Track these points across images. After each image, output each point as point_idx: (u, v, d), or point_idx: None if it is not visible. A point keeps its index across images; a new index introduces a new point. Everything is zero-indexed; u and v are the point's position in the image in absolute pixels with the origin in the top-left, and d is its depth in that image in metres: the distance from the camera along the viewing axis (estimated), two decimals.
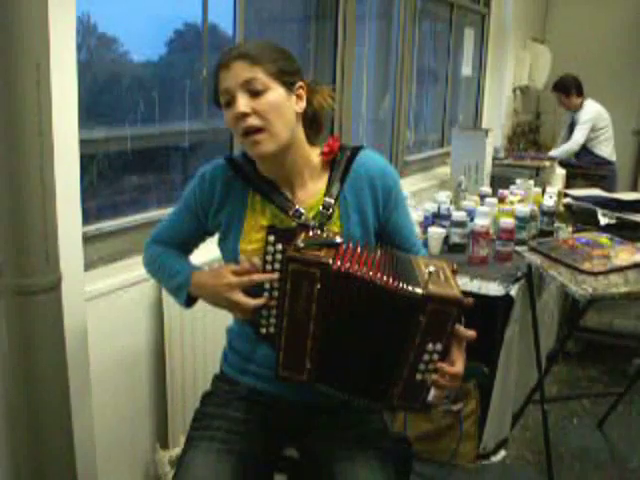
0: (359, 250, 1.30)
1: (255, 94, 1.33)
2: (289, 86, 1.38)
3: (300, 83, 1.41)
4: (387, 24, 4.08)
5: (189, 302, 1.51)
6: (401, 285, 1.24)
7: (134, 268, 1.99)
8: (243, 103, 1.32)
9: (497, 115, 5.75)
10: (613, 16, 6.49)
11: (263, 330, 1.39)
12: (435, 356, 1.27)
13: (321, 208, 1.42)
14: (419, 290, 1.23)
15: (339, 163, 1.46)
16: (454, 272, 1.34)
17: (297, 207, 1.42)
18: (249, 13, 2.68)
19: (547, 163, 4.52)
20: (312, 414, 1.49)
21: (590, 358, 3.66)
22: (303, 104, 1.42)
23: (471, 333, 1.33)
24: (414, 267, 1.33)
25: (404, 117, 4.18)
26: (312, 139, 1.49)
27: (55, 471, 1.65)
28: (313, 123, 1.49)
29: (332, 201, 1.42)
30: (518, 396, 2.86)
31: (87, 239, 1.92)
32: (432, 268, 1.31)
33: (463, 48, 5.12)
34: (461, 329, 1.32)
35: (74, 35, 1.67)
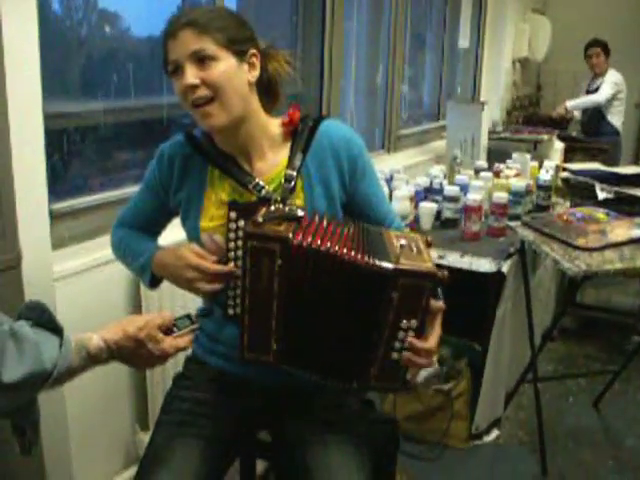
0: (324, 223, 1.24)
1: (204, 65, 1.27)
2: (240, 55, 1.31)
3: (253, 51, 1.34)
4: None
5: (153, 283, 1.47)
6: (371, 260, 1.17)
7: (109, 246, 1.92)
8: (191, 74, 1.26)
9: (495, 88, 5.66)
10: None
11: (230, 311, 1.35)
12: (411, 333, 1.21)
13: (283, 181, 1.36)
14: (390, 265, 1.16)
15: (301, 134, 1.39)
16: (428, 245, 1.28)
17: (257, 180, 1.36)
18: None
19: (545, 136, 4.42)
20: (284, 397, 1.45)
21: (588, 335, 3.61)
22: (256, 73, 1.35)
23: (439, 305, 1.26)
24: (384, 240, 1.26)
25: (397, 90, 4.08)
26: (269, 108, 1.42)
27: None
28: (269, 91, 1.42)
29: (294, 173, 1.36)
30: (514, 375, 2.81)
31: (58, 217, 1.86)
32: (403, 241, 1.25)
33: (460, 19, 5.01)
34: (431, 303, 1.24)
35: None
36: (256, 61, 1.35)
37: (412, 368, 1.25)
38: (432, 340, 1.24)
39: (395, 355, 1.23)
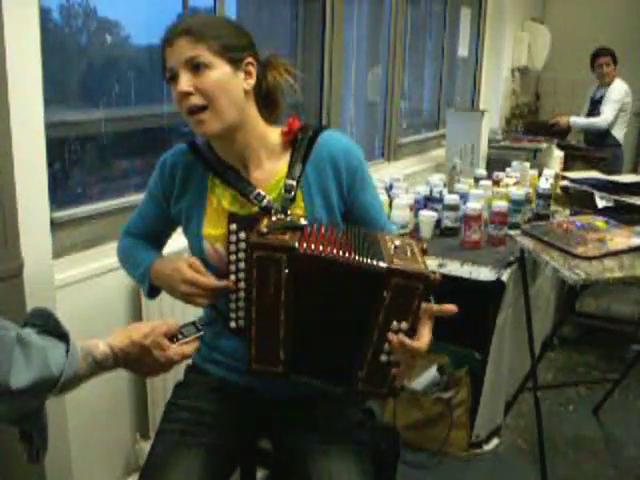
0: (323, 231, 1.25)
1: (198, 72, 1.27)
2: (236, 63, 1.31)
3: (249, 59, 1.34)
4: (379, 1, 3.99)
5: (152, 293, 1.47)
6: (365, 260, 1.18)
7: (109, 254, 1.91)
8: (185, 82, 1.27)
9: (495, 96, 5.66)
10: None
11: (233, 324, 1.34)
12: (401, 336, 1.19)
13: (283, 191, 1.36)
14: (383, 264, 1.17)
15: (300, 143, 1.39)
16: (424, 251, 1.28)
17: (258, 191, 1.36)
18: None
19: (545, 145, 4.42)
20: (284, 406, 1.44)
21: (587, 343, 3.60)
22: (252, 81, 1.35)
23: (450, 307, 1.24)
24: (380, 243, 1.27)
25: (397, 99, 4.09)
26: (268, 117, 1.42)
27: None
28: (268, 100, 1.42)
29: (294, 183, 1.36)
30: (514, 383, 2.81)
31: (59, 225, 1.87)
32: (398, 243, 1.25)
33: (459, 28, 5.02)
34: (432, 305, 1.24)
35: (36, 7, 1.58)
36: (252, 69, 1.35)
37: (399, 371, 1.23)
38: (423, 341, 1.21)
39: (383, 358, 1.21)
